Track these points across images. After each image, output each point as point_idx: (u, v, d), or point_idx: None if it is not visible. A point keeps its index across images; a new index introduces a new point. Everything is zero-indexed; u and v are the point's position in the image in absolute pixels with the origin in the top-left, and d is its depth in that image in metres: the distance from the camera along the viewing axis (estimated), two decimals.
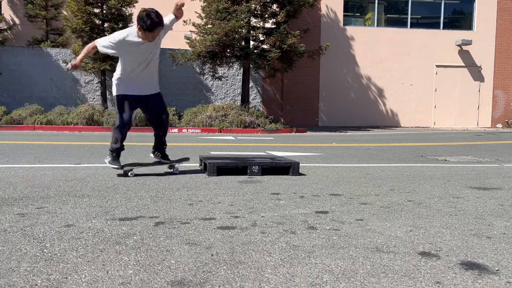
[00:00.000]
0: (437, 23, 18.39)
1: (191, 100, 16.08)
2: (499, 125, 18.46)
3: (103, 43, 3.88)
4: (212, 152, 6.41)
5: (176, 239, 2.06)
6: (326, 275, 1.66)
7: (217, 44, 13.15)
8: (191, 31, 14.33)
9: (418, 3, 18.20)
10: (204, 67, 15.48)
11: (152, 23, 3.67)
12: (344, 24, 17.70)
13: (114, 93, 4.04)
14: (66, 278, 1.58)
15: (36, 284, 1.52)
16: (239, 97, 16.01)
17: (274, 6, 14.22)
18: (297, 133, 13.24)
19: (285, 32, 13.41)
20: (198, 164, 4.95)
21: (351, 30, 17.74)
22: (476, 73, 18.40)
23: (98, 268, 1.68)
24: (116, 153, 4.08)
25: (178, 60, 14.06)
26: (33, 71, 15.27)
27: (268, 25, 14.46)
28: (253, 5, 13.42)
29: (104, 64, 13.87)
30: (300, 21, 15.67)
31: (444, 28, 18.34)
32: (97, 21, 14.01)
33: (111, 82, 4.16)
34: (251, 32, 13.84)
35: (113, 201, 2.86)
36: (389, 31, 17.93)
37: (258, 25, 14.09)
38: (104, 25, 14.17)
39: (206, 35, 13.49)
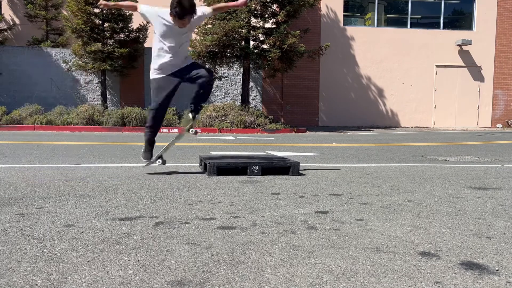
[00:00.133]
0: (437, 23, 18.39)
1: None
2: (499, 125, 18.46)
3: (143, 6, 3.99)
4: (212, 152, 6.41)
5: (176, 239, 2.06)
6: (326, 275, 1.66)
7: (217, 44, 13.15)
8: None
9: (418, 3, 18.20)
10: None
11: (182, 11, 3.67)
12: (344, 24, 17.70)
13: (150, 76, 4.18)
14: (66, 278, 1.58)
15: (36, 284, 1.52)
16: (239, 97, 16.01)
17: (274, 6, 14.22)
18: (297, 133, 13.24)
19: (285, 32, 13.41)
20: (198, 164, 4.95)
21: (351, 30, 17.74)
22: (476, 73, 18.40)
23: (98, 268, 1.68)
24: (147, 144, 4.25)
25: None
26: (33, 71, 15.27)
27: (268, 25, 14.46)
28: (253, 5, 13.42)
29: (104, 64, 13.87)
30: (300, 21, 15.67)
31: (444, 28, 18.34)
32: (97, 21, 14.01)
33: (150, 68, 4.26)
34: (251, 32, 13.85)
35: (113, 201, 2.87)
36: (389, 31, 17.93)
37: (258, 25, 14.09)
38: (104, 25, 14.17)
39: (206, 35, 13.49)
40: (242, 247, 1.96)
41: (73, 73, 15.44)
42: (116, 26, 14.07)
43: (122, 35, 14.51)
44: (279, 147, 7.61)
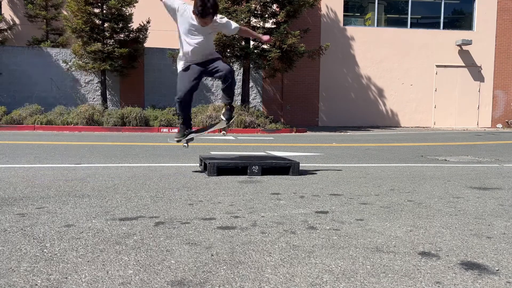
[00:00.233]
0: (437, 23, 18.39)
1: None
2: (499, 125, 18.46)
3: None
4: (212, 152, 6.41)
5: (176, 239, 2.06)
6: (326, 275, 1.66)
7: (217, 44, 13.14)
8: None
9: (418, 3, 18.20)
10: None
11: (203, 10, 3.76)
12: (344, 24, 17.70)
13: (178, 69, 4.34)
14: (66, 278, 1.58)
15: (36, 284, 1.52)
16: (239, 97, 16.01)
17: (274, 6, 14.22)
18: (297, 133, 13.24)
19: (285, 32, 13.41)
20: (198, 164, 4.95)
21: (351, 30, 17.74)
22: (476, 73, 18.40)
23: (98, 268, 1.68)
24: (180, 127, 4.49)
25: None
26: (33, 71, 15.28)
27: (268, 25, 14.46)
28: (253, 5, 13.43)
29: (104, 64, 13.87)
30: (300, 21, 15.67)
31: (444, 28, 18.34)
32: (97, 21, 14.01)
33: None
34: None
35: (113, 201, 2.87)
36: (389, 31, 17.92)
37: (258, 25, 14.09)
38: (104, 25, 14.17)
39: None
40: (242, 247, 1.96)
41: (73, 73, 15.44)
42: (116, 26, 14.07)
43: (122, 35, 14.51)
44: (279, 147, 7.61)
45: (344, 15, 17.63)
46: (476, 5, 18.19)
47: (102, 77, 14.83)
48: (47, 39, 16.81)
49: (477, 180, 4.08)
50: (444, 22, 18.40)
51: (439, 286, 1.57)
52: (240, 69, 15.81)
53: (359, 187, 3.62)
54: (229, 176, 4.07)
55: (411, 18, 18.23)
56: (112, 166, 4.67)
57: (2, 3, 17.26)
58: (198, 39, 4.03)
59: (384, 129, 16.48)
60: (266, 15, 14.05)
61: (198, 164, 4.96)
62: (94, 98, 15.66)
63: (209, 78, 16.07)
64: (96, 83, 15.60)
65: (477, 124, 18.55)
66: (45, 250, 1.87)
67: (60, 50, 15.59)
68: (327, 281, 1.59)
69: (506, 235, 2.22)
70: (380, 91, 18.03)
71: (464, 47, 18.15)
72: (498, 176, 4.42)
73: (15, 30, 17.25)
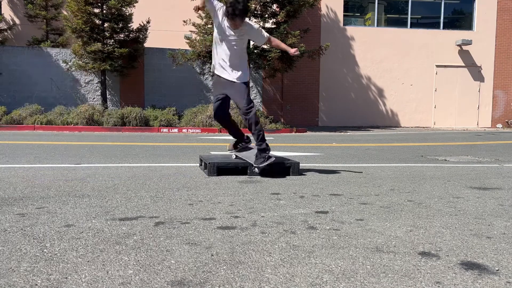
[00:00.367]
0: (437, 23, 18.39)
1: (191, 100, 16.08)
2: (499, 125, 18.46)
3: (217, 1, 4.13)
4: (212, 152, 6.41)
5: (176, 239, 2.06)
6: (326, 275, 1.66)
7: None
8: (191, 31, 14.33)
9: (418, 3, 18.20)
10: (204, 67, 15.49)
11: (233, 12, 3.85)
12: (344, 24, 17.70)
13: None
14: (66, 278, 1.58)
15: (36, 284, 1.52)
16: None
17: (274, 6, 14.21)
18: (297, 133, 13.24)
19: (285, 32, 13.41)
20: (198, 164, 4.95)
21: (351, 30, 17.74)
22: (476, 73, 18.40)
23: (98, 268, 1.68)
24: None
25: (178, 60, 14.07)
26: (33, 71, 15.28)
27: (268, 25, 14.46)
28: (253, 5, 13.42)
29: (104, 64, 13.87)
30: (300, 21, 15.67)
31: (444, 28, 18.34)
32: (97, 21, 14.01)
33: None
34: None
35: (113, 201, 2.87)
36: (389, 31, 17.92)
37: (258, 25, 14.08)
38: (104, 25, 14.16)
39: (206, 35, 13.49)
40: (242, 247, 1.96)
41: (73, 73, 15.44)
42: (116, 26, 14.07)
43: (122, 35, 14.51)
44: (279, 147, 7.61)
45: (344, 15, 17.63)
46: (476, 5, 18.19)
47: (102, 77, 14.83)
48: (47, 39, 16.80)
49: (477, 180, 4.08)
50: (444, 22, 18.40)
51: (439, 286, 1.57)
52: None
53: (359, 187, 3.62)
54: (229, 176, 4.07)
55: (411, 18, 18.23)
56: (112, 166, 4.67)
57: (2, 3, 17.26)
58: (227, 45, 4.09)
59: (384, 129, 16.48)
60: (266, 15, 14.04)
61: (198, 164, 4.96)
62: (94, 98, 15.66)
63: (209, 78, 16.09)
64: (96, 83, 15.60)
65: (477, 124, 18.54)
66: (45, 250, 1.87)
67: (60, 50, 15.58)
68: (327, 281, 1.59)
69: (506, 235, 2.22)
70: (380, 91, 18.02)
71: (464, 47, 18.15)
72: (498, 176, 4.42)
73: (15, 30, 17.25)
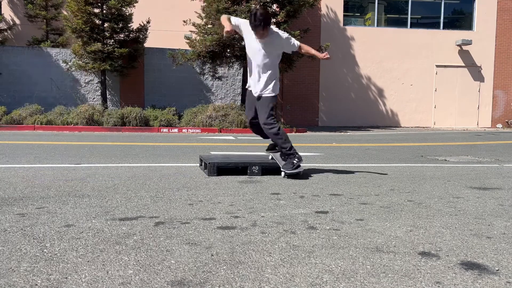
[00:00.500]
0: (437, 23, 18.39)
1: (191, 100, 16.08)
2: (499, 125, 18.46)
3: (234, 17, 4.22)
4: (212, 152, 6.41)
5: (176, 239, 2.06)
6: (326, 275, 1.66)
7: (217, 44, 13.15)
8: (191, 31, 14.33)
9: (418, 3, 18.20)
10: (204, 67, 15.49)
11: (253, 21, 3.89)
12: (344, 24, 17.70)
13: None
14: (66, 278, 1.58)
15: (36, 284, 1.52)
16: (239, 97, 16.01)
17: (274, 6, 14.22)
18: (297, 133, 13.24)
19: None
20: (198, 164, 4.95)
21: (351, 30, 17.74)
22: (476, 73, 18.40)
23: (98, 268, 1.68)
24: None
25: (178, 60, 14.07)
26: (33, 71, 15.28)
27: None
28: (253, 5, 13.42)
29: (104, 64, 13.87)
30: (300, 21, 15.67)
31: (444, 28, 18.34)
32: (97, 21, 14.01)
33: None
34: None
35: (113, 201, 2.86)
36: (389, 31, 17.92)
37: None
38: (104, 25, 14.16)
39: (206, 35, 13.49)
40: (242, 247, 1.96)
41: (73, 73, 15.44)
42: (116, 26, 14.06)
43: (122, 35, 14.51)
44: None
45: (344, 15, 17.63)
46: (476, 5, 18.19)
47: (102, 77, 14.83)
48: (47, 39, 16.80)
49: (477, 180, 4.08)
50: (444, 22, 18.40)
51: (439, 286, 1.57)
52: (240, 69, 15.81)
53: (359, 187, 3.62)
54: (229, 176, 4.07)
55: (411, 18, 18.23)
56: (112, 166, 4.67)
57: (2, 3, 17.26)
58: (255, 59, 4.12)
59: (384, 129, 16.48)
60: None
61: (198, 164, 4.96)
62: (94, 98, 15.66)
63: (209, 78, 16.09)
64: (96, 83, 15.60)
65: (477, 124, 18.54)
66: (45, 250, 1.87)
67: (60, 50, 15.59)
68: (327, 281, 1.59)
69: (506, 235, 2.22)
70: (380, 91, 18.02)
71: (464, 47, 18.15)
72: (498, 176, 4.42)
73: (15, 30, 17.24)
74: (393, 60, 17.97)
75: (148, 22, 14.68)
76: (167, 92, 16.12)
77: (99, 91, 15.42)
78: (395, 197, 3.19)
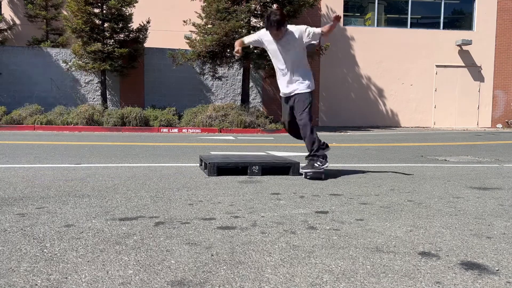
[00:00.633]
0: (437, 23, 18.39)
1: (191, 100, 16.08)
2: (499, 125, 18.46)
3: (247, 37, 4.25)
4: (212, 152, 6.41)
5: (176, 239, 2.06)
6: (326, 275, 1.66)
7: (217, 44, 13.15)
8: (191, 31, 14.33)
9: (418, 3, 18.20)
10: (204, 67, 15.49)
11: (267, 22, 3.92)
12: (344, 24, 17.70)
13: None
14: (66, 278, 1.58)
15: (36, 284, 1.52)
16: (239, 97, 16.01)
17: (274, 6, 14.19)
18: None
19: None
20: (198, 164, 4.95)
21: (351, 30, 17.74)
22: (476, 73, 18.40)
23: (98, 268, 1.68)
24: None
25: (178, 60, 14.07)
26: (33, 71, 15.27)
27: None
28: (253, 5, 13.42)
29: (104, 64, 13.87)
30: (300, 21, 15.65)
31: (444, 28, 18.34)
32: (97, 21, 14.01)
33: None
34: (251, 32, 13.84)
35: (113, 201, 2.87)
36: (389, 31, 17.92)
37: (258, 25, 14.09)
38: (104, 25, 14.17)
39: (206, 35, 13.49)
40: (242, 247, 1.96)
41: (73, 73, 15.44)
42: (116, 26, 14.07)
43: (122, 35, 14.51)
44: (279, 147, 7.61)
45: (344, 15, 17.62)
46: (476, 5, 18.19)
47: (102, 77, 14.84)
48: (47, 39, 16.80)
49: (477, 180, 4.08)
50: (444, 22, 18.40)
51: (439, 286, 1.57)
52: (240, 69, 15.80)
53: (359, 187, 3.62)
54: (229, 176, 4.07)
55: (411, 18, 18.23)
56: (112, 166, 4.67)
57: (2, 3, 17.26)
58: (280, 61, 4.11)
59: (384, 129, 16.48)
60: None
61: (198, 164, 4.96)
62: (94, 98, 15.66)
63: (209, 78, 16.09)
64: (96, 83, 15.60)
65: (477, 124, 18.54)
66: (45, 250, 1.87)
67: (60, 50, 15.58)
68: (327, 281, 1.59)
69: (506, 235, 2.22)
70: (380, 91, 18.02)
71: (464, 47, 18.15)
72: (498, 176, 4.42)
73: (15, 30, 17.24)
74: (393, 60, 17.97)
75: (148, 22, 14.68)
76: (167, 92, 16.12)
77: (99, 91, 15.42)
78: (395, 197, 3.19)
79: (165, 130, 12.84)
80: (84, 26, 13.45)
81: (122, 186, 3.46)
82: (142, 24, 14.66)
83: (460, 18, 18.69)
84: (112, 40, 14.38)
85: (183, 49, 14.52)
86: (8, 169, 4.32)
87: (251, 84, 16.43)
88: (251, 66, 14.47)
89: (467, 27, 18.49)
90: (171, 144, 8.06)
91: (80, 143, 7.77)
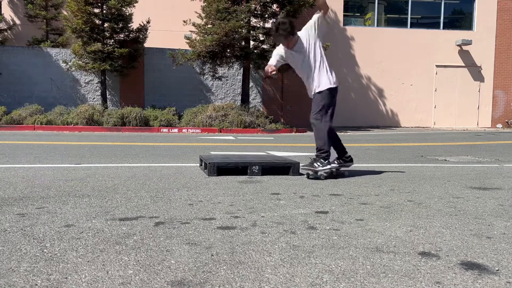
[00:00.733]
0: (437, 23, 18.39)
1: (191, 100, 16.08)
2: (499, 125, 18.46)
3: (271, 60, 4.20)
4: (212, 152, 6.41)
5: (176, 239, 2.06)
6: (326, 275, 1.66)
7: (217, 44, 13.15)
8: (191, 31, 14.33)
9: (418, 3, 18.20)
10: (204, 67, 15.50)
11: (274, 32, 3.97)
12: (344, 24, 17.70)
13: None
14: (66, 278, 1.58)
15: (36, 284, 1.52)
16: (239, 97, 16.02)
17: (274, 6, 14.22)
18: (297, 133, 13.24)
19: None
20: (198, 164, 4.95)
21: (351, 30, 17.74)
22: (476, 73, 18.40)
23: (98, 268, 1.68)
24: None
25: (178, 60, 14.07)
26: (33, 71, 15.28)
27: (268, 25, 14.46)
28: (253, 5, 13.42)
29: (104, 64, 13.87)
30: (300, 21, 15.60)
31: (444, 28, 18.34)
32: (97, 21, 14.01)
33: None
34: (251, 32, 13.85)
35: (113, 201, 2.86)
36: (389, 31, 17.92)
37: (258, 25, 14.09)
38: (104, 25, 14.17)
39: (206, 35, 13.49)
40: (242, 247, 1.96)
41: (73, 73, 15.44)
42: (116, 26, 14.07)
43: (122, 35, 14.51)
44: (279, 147, 7.61)
45: (344, 15, 17.63)
46: (476, 5, 18.19)
47: (102, 77, 14.84)
48: (47, 39, 16.81)
49: (477, 180, 4.08)
50: (444, 22, 18.40)
51: (439, 286, 1.57)
52: (240, 69, 15.80)
53: (359, 187, 3.62)
54: (229, 176, 4.07)
55: (411, 18, 18.23)
56: (112, 166, 4.67)
57: (2, 3, 17.26)
58: (299, 66, 4.18)
59: (384, 129, 16.48)
60: (266, 15, 14.04)
61: (198, 164, 4.96)
62: (94, 98, 15.66)
63: (209, 78, 16.09)
64: (96, 83, 15.60)
65: (477, 124, 18.54)
66: (45, 250, 1.87)
67: (60, 50, 15.59)
68: (327, 281, 1.59)
69: (506, 235, 2.22)
70: (380, 91, 18.02)
71: (464, 47, 18.15)
72: (498, 176, 4.42)
73: (15, 30, 17.25)
74: (393, 60, 17.97)
75: (148, 22, 14.68)
76: (167, 92, 16.12)
77: (99, 91, 15.43)
78: (395, 197, 3.19)
79: (165, 130, 12.84)
80: (84, 26, 13.45)
81: (122, 186, 3.46)
82: (142, 24, 14.66)
83: (460, 18, 18.69)
84: (112, 40, 14.38)
85: (183, 49, 14.53)
86: (8, 169, 4.32)
87: (251, 84, 16.44)
88: (251, 66, 14.46)
89: (467, 27, 18.49)
90: (171, 144, 8.06)
91: (80, 143, 7.77)
